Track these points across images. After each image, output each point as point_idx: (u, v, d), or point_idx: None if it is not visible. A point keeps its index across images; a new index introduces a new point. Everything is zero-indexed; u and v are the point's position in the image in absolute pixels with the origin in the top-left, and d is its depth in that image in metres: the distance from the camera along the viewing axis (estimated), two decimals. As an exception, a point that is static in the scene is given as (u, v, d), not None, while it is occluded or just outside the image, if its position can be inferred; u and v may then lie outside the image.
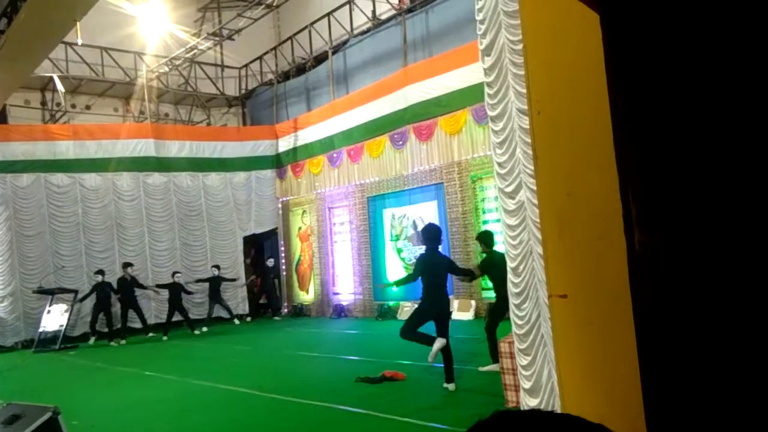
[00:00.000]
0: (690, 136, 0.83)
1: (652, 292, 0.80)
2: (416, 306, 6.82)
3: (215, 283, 15.38)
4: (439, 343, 6.31)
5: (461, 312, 12.04)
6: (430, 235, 6.68)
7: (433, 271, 6.52)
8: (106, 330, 13.79)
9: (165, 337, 13.78)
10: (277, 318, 16.12)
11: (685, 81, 0.85)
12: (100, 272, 13.84)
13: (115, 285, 13.98)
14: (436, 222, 12.85)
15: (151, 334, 14.03)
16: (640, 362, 0.90)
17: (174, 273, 14.73)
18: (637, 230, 0.83)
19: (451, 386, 6.37)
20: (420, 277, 6.58)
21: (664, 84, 0.85)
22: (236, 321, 15.39)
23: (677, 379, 0.81)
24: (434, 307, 6.48)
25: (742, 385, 0.84)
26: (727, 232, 0.80)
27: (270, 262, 16.70)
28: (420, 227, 13.32)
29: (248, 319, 16.15)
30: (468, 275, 7.51)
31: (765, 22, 0.82)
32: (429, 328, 6.45)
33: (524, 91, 3.05)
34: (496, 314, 7.24)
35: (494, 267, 6.94)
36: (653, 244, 0.81)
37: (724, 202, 0.79)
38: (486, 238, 7.49)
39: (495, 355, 6.50)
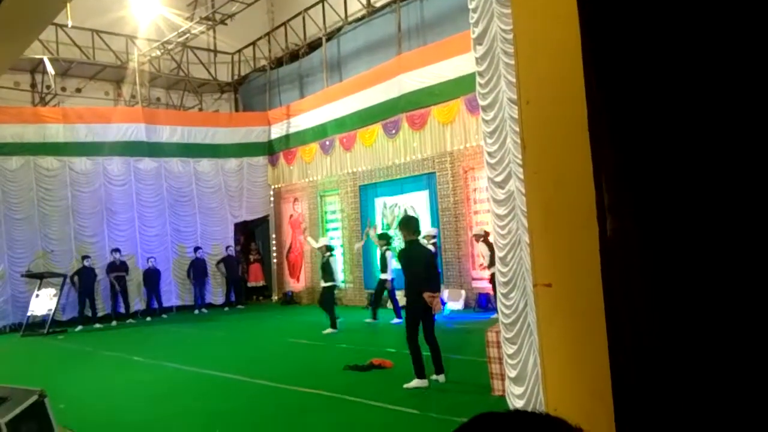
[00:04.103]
0: (663, 126, 0.83)
1: (623, 276, 0.81)
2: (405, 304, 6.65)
3: (200, 266, 15.41)
4: (441, 377, 6.36)
5: (451, 301, 12.09)
6: (410, 224, 6.53)
7: (414, 264, 6.34)
8: (90, 314, 13.83)
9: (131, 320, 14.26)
10: (225, 309, 15.77)
11: (660, 71, 0.85)
12: (85, 257, 13.92)
13: (100, 270, 14.14)
14: (428, 212, 12.89)
15: (129, 321, 14.17)
16: (609, 347, 0.91)
17: (149, 258, 14.80)
18: (609, 216, 0.83)
19: (441, 377, 6.38)
20: (402, 271, 6.47)
21: (639, 72, 0.85)
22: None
23: (645, 364, 0.81)
24: (420, 300, 6.25)
25: (710, 370, 0.85)
26: (698, 221, 0.81)
27: (230, 251, 16.18)
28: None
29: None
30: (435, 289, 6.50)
31: (738, 14, 0.82)
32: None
33: (515, 80, 3.04)
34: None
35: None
36: (624, 230, 0.81)
37: (696, 191, 0.80)
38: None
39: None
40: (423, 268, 6.34)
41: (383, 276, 11.26)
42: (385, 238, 11.40)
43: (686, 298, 0.82)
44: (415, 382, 6.26)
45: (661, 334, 0.86)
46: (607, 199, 0.84)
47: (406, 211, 13.43)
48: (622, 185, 0.82)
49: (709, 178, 0.79)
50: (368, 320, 11.34)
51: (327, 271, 10.96)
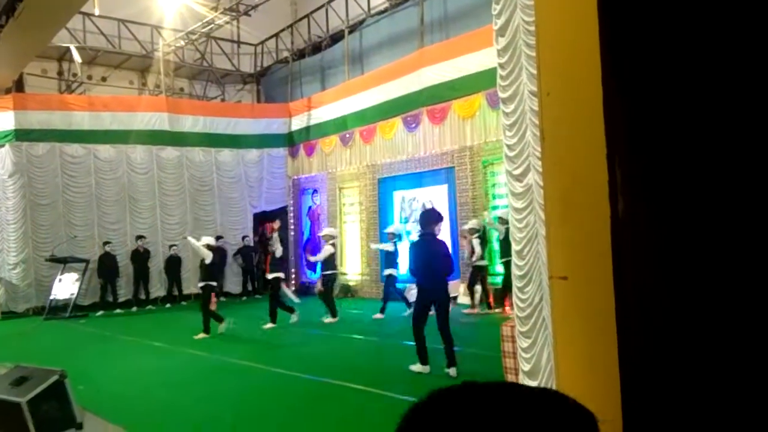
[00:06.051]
0: (677, 110, 0.82)
1: (633, 256, 0.80)
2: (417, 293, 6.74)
3: (220, 255, 15.58)
4: (452, 371, 6.38)
5: (465, 297, 12.06)
6: (431, 219, 6.69)
7: (432, 255, 6.48)
8: (111, 299, 14.10)
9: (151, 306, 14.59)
10: (243, 298, 15.85)
11: (674, 55, 0.84)
12: (106, 243, 14.25)
13: (121, 257, 14.44)
14: (446, 206, 12.85)
15: (149, 307, 14.45)
16: (617, 328, 0.90)
17: (171, 246, 15.02)
18: (621, 198, 0.83)
19: (452, 371, 6.37)
20: (415, 262, 6.57)
21: (653, 57, 0.85)
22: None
23: (654, 348, 0.81)
24: (435, 291, 6.44)
25: (722, 364, 0.85)
26: (710, 204, 0.80)
27: (246, 241, 16.22)
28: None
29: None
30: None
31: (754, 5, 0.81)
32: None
33: (536, 72, 3.01)
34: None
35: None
36: (635, 212, 0.81)
37: (708, 174, 0.79)
38: None
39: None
40: (443, 258, 6.49)
41: (390, 271, 11.24)
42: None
43: (697, 280, 0.81)
44: (419, 367, 6.55)
45: (671, 324, 0.85)
46: (619, 180, 0.84)
47: (424, 204, 13.41)
48: (635, 167, 0.82)
49: (725, 163, 0.78)
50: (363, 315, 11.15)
51: (208, 271, 10.40)
